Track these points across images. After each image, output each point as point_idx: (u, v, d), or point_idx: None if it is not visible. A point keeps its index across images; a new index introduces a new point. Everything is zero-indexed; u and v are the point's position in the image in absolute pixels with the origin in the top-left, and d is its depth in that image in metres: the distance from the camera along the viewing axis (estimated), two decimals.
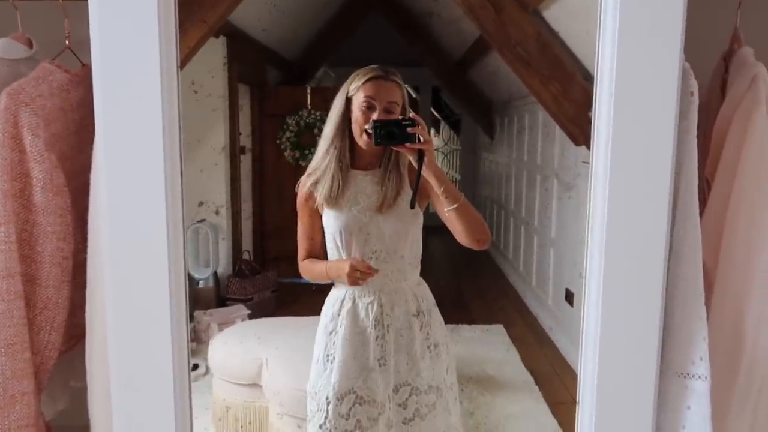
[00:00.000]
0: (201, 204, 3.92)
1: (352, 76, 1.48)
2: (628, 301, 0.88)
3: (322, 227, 1.57)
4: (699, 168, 0.95)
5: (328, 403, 1.49)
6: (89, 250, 0.99)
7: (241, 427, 2.37)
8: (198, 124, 3.77)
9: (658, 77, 0.82)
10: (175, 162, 0.83)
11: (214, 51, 3.72)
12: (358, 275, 1.43)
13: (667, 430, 0.92)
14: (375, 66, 1.46)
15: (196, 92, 3.76)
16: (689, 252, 0.89)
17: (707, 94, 1.12)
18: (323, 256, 1.58)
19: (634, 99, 0.84)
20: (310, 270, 1.57)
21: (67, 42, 1.12)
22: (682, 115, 0.87)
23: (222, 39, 3.79)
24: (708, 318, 0.90)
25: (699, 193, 0.94)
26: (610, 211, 0.86)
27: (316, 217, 1.56)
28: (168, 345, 0.88)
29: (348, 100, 1.46)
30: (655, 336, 0.87)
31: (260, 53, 4.52)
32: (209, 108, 3.83)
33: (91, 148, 0.96)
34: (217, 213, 3.93)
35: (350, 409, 1.48)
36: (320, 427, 1.50)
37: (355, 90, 1.45)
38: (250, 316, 3.47)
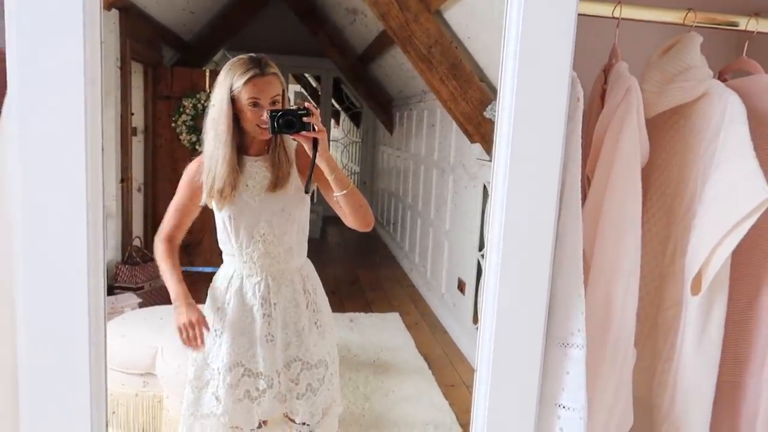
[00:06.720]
0: None
1: (229, 69, 1.48)
2: (520, 281, 1.00)
3: (195, 212, 1.61)
4: (581, 166, 1.09)
5: (219, 373, 1.58)
6: None
7: (134, 418, 2.29)
8: None
9: (552, 84, 0.94)
10: (96, 138, 0.82)
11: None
12: (185, 336, 1.53)
13: (550, 392, 1.05)
14: (250, 58, 1.47)
15: None
16: (571, 239, 1.03)
17: (588, 101, 1.26)
18: (178, 240, 1.62)
19: (531, 102, 0.95)
20: (161, 261, 1.60)
21: None
22: (569, 117, 0.99)
23: (114, 12, 3.56)
24: (585, 295, 1.04)
25: (581, 188, 1.08)
26: (508, 203, 0.97)
27: (195, 200, 1.59)
28: (85, 339, 0.85)
29: (232, 97, 1.47)
30: (543, 311, 1.00)
31: (155, 31, 4.31)
32: None
33: None
34: None
35: (239, 380, 1.58)
36: (213, 394, 1.59)
37: (238, 90, 1.47)
38: (141, 305, 3.33)
